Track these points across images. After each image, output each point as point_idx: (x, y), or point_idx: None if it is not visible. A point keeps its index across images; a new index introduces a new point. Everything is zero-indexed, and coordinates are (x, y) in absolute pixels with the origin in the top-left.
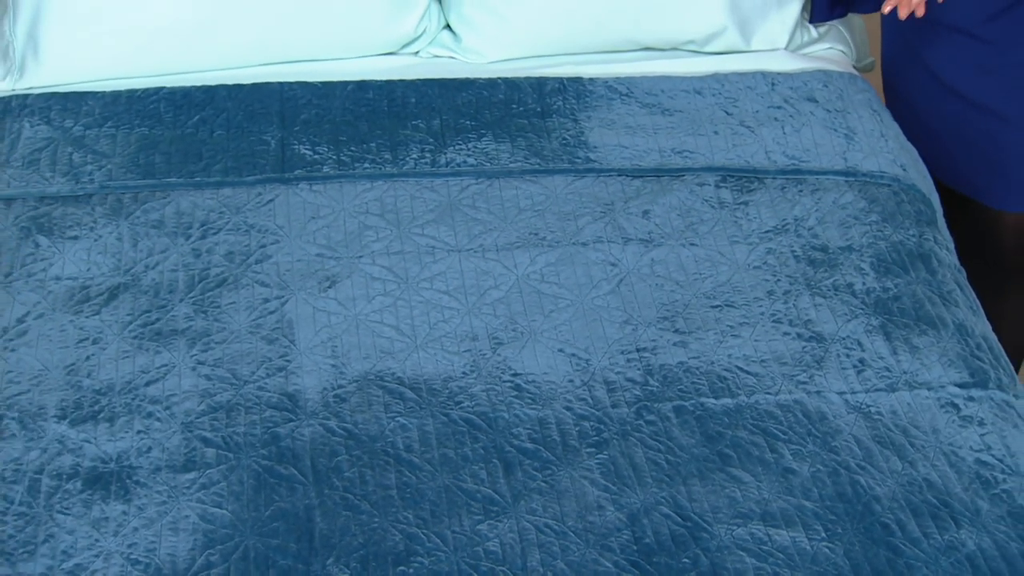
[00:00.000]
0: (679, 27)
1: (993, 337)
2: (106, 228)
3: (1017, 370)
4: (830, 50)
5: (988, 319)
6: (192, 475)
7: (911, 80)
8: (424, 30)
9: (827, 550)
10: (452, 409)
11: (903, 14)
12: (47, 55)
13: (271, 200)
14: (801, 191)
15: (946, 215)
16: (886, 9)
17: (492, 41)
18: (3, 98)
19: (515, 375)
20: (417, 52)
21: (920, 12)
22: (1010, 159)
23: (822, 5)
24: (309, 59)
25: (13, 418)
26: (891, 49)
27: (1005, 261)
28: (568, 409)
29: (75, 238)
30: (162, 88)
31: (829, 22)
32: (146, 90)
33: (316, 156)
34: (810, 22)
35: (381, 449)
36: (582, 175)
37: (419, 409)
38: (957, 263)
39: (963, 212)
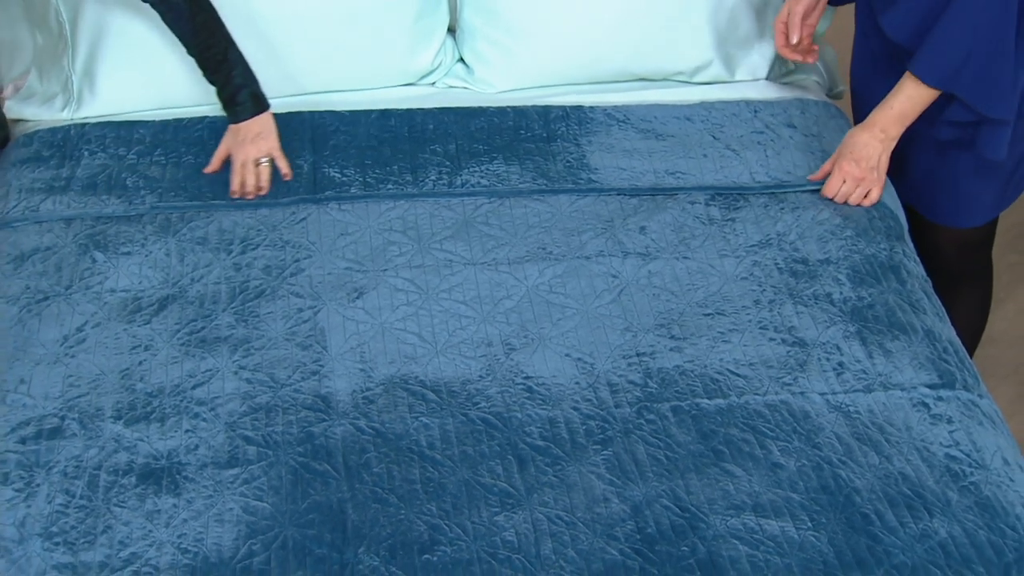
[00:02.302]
0: (670, 60)
1: (958, 341)
2: (155, 245)
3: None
4: (806, 79)
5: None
6: (235, 471)
7: (872, 86)
8: (440, 63)
9: (812, 538)
10: (470, 409)
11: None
12: (102, 88)
13: (304, 219)
14: (783, 208)
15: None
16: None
17: (501, 73)
18: (64, 127)
19: (527, 378)
20: (434, 83)
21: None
22: (943, 183)
23: None
24: (337, 89)
25: (74, 419)
26: (860, 73)
27: (948, 267)
28: (575, 409)
29: (128, 254)
30: (205, 117)
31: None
32: (191, 119)
33: (344, 178)
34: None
35: (406, 446)
36: (584, 194)
37: (440, 410)
38: (923, 273)
39: (912, 225)
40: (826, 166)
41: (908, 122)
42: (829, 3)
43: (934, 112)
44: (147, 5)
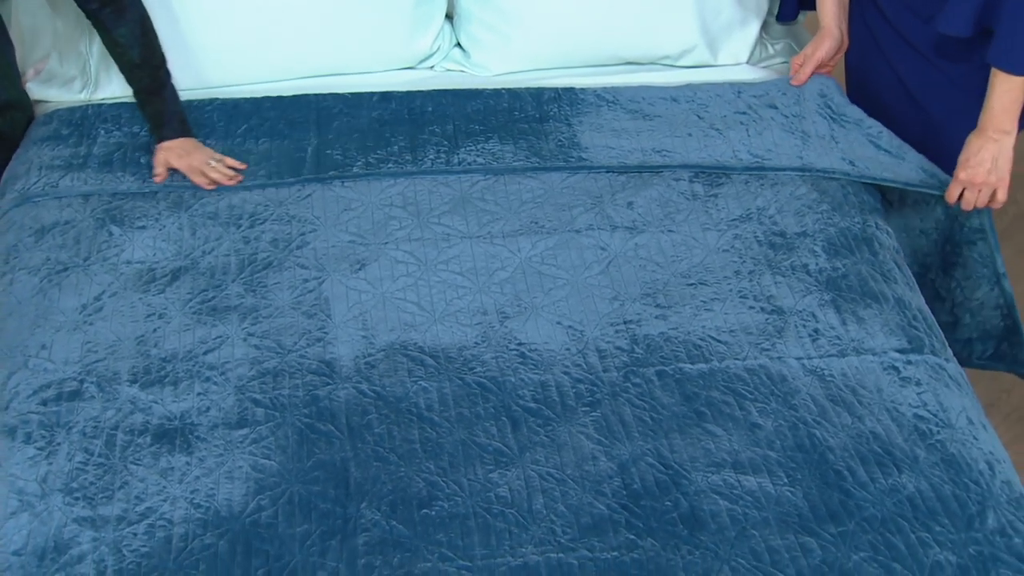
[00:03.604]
0: (657, 44)
1: (927, 309)
2: (169, 219)
3: None
4: (784, 64)
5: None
6: (244, 431)
7: (876, 80)
8: (438, 47)
9: (788, 493)
10: (466, 374)
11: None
12: (118, 71)
13: (309, 195)
14: (763, 185)
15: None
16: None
17: (496, 57)
18: (81, 107)
19: (520, 344)
20: (432, 66)
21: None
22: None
23: (789, 6)
24: (340, 73)
25: (92, 382)
26: (858, 59)
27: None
28: (566, 373)
29: (143, 228)
30: (215, 100)
31: (784, 40)
32: (201, 101)
33: (347, 158)
34: (777, 20)
35: (406, 409)
36: (575, 172)
37: (438, 374)
38: (896, 245)
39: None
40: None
41: (1014, 113)
42: (777, 20)
43: None
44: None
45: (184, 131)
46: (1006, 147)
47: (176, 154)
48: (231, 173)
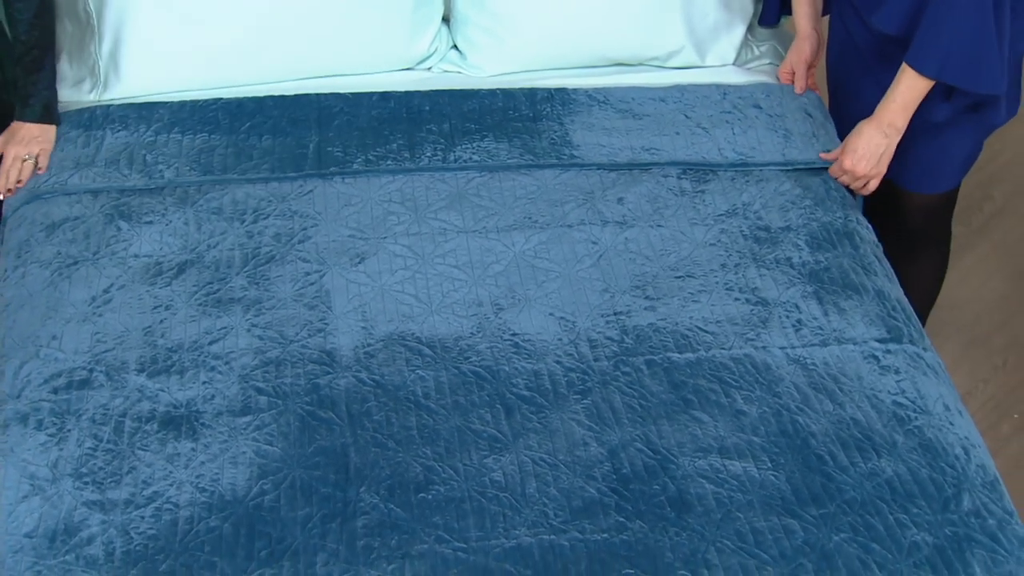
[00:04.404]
0: (646, 47)
1: (905, 300)
2: (175, 215)
3: (924, 322)
4: (769, 65)
5: (902, 282)
6: (248, 418)
7: (854, 80)
8: (435, 49)
9: (772, 477)
10: (462, 363)
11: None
12: (126, 72)
13: (311, 191)
14: (748, 181)
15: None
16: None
17: (492, 58)
18: (90, 108)
19: (514, 335)
20: (430, 68)
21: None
22: (920, 150)
23: (770, 12)
24: (341, 74)
25: (101, 371)
26: (839, 66)
27: (912, 231)
28: (558, 363)
29: (150, 223)
30: (219, 99)
31: (769, 42)
32: (206, 101)
33: (347, 156)
34: (760, 24)
35: (404, 396)
36: (567, 169)
37: (435, 363)
38: (875, 239)
39: (880, 191)
40: (834, 153)
41: (911, 111)
42: (760, 25)
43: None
44: None
45: (46, 117)
46: (892, 145)
47: (13, 138)
48: (22, 179)
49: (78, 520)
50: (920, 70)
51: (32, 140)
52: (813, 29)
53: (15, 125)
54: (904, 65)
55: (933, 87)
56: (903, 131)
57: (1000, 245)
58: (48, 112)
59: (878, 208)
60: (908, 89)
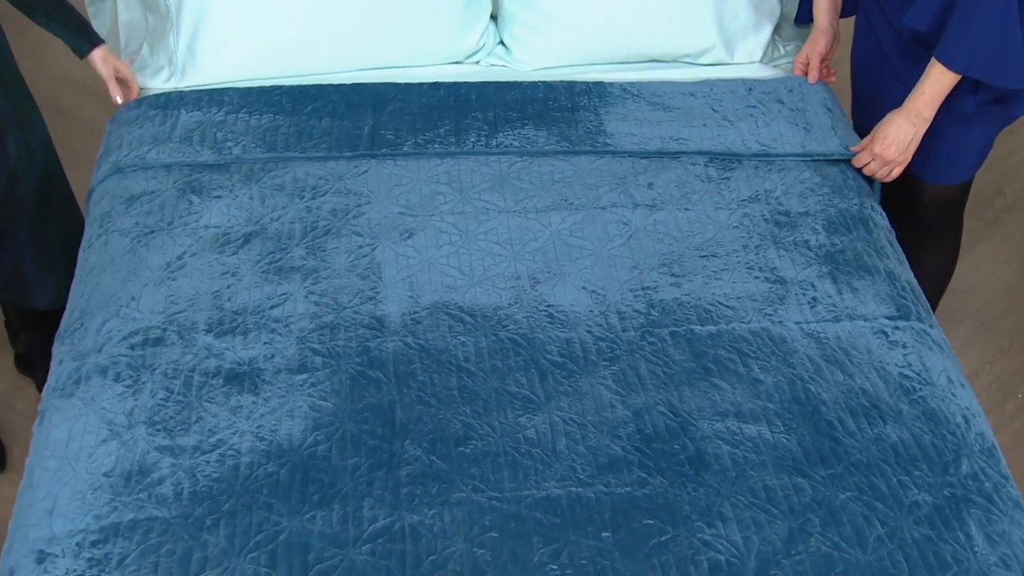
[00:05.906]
0: (679, 44)
1: (915, 281)
2: (241, 190)
3: (935, 306)
4: (793, 64)
5: (913, 267)
6: (304, 376)
7: (879, 80)
8: (483, 44)
9: (784, 440)
10: (500, 331)
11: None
12: (201, 62)
13: (365, 171)
14: (770, 170)
15: (885, 185)
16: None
17: (535, 54)
18: (167, 93)
19: (548, 306)
20: (478, 61)
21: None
22: (942, 141)
23: (804, 11)
24: (396, 66)
25: (173, 331)
26: (864, 64)
27: (926, 221)
28: (589, 332)
29: (218, 197)
30: (282, 86)
31: (794, 42)
32: (271, 87)
33: (398, 139)
34: (795, 22)
35: (446, 360)
36: (601, 155)
37: (475, 330)
38: (888, 225)
39: (898, 182)
40: (865, 141)
41: (939, 103)
42: (795, 23)
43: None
44: None
45: (92, 40)
46: (920, 133)
47: (117, 58)
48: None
49: (151, 463)
50: (948, 65)
51: (103, 61)
52: (830, 24)
53: (99, 49)
54: (933, 59)
55: (960, 81)
56: (930, 121)
57: (1010, 238)
58: (89, 36)
59: (894, 199)
60: (936, 82)
